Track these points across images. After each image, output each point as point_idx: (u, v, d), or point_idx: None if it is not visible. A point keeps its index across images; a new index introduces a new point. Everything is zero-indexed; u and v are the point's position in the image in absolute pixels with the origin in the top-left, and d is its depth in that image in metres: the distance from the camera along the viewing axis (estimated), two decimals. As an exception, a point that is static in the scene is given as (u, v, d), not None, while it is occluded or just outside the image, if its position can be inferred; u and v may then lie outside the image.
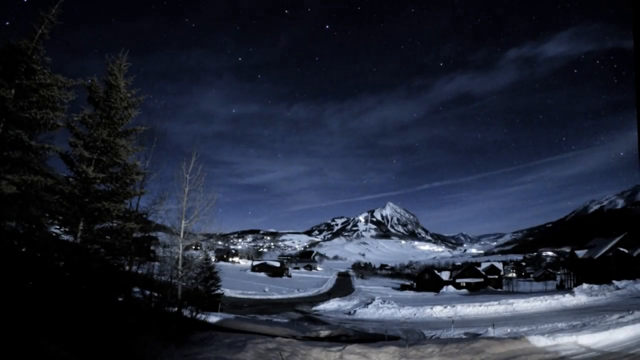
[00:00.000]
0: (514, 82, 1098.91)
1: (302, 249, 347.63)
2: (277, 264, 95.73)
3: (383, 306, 30.76)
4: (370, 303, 32.22)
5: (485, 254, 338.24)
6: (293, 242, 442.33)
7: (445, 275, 68.46)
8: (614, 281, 32.95)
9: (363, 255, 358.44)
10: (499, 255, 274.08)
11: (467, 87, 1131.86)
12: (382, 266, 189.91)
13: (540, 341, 10.31)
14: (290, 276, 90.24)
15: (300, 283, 72.19)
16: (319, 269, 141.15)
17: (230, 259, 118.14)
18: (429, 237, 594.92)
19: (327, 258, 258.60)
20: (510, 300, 28.72)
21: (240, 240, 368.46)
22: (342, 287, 69.88)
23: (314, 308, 34.96)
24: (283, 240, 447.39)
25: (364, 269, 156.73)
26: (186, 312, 11.42)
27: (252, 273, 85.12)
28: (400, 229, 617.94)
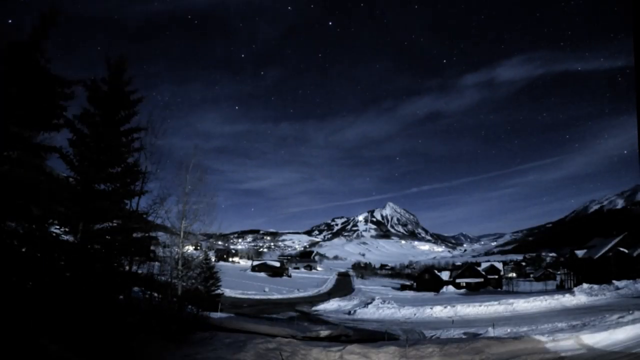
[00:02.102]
0: (479, 101, 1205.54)
1: (302, 249, 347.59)
2: (277, 264, 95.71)
3: (383, 306, 30.76)
4: (370, 303, 32.22)
5: (485, 254, 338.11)
6: (293, 242, 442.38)
7: (445, 275, 68.45)
8: (614, 281, 32.96)
9: (363, 255, 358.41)
10: (499, 255, 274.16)
11: (433, 108, 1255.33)
12: (382, 266, 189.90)
13: (540, 341, 10.31)
14: (290, 276, 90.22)
15: (300, 283, 72.18)
16: (319, 269, 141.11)
17: (230, 259, 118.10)
18: (429, 237, 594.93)
19: (327, 258, 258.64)
20: (510, 300, 28.71)
21: (240, 240, 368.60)
22: (342, 287, 69.85)
23: (314, 308, 34.96)
24: (283, 240, 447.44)
25: (364, 269, 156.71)
26: (186, 312, 11.42)
27: (252, 273, 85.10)
28: (400, 229, 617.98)
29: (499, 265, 71.57)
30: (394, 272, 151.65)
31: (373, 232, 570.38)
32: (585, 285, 33.93)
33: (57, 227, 9.54)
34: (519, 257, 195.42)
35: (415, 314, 27.53)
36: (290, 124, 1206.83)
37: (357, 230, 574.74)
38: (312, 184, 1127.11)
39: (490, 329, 16.31)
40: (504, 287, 63.44)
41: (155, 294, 11.58)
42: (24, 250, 7.99)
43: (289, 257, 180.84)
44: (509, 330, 16.91)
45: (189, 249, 16.03)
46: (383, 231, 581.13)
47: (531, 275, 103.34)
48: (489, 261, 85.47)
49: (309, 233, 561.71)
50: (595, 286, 32.80)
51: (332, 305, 36.39)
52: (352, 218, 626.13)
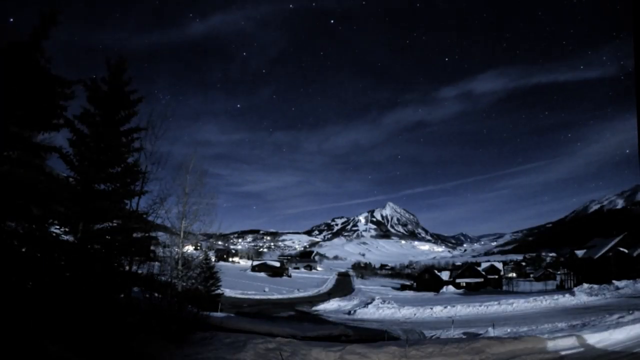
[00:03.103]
0: (462, 111, 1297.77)
1: (302, 249, 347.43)
2: (277, 264, 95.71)
3: (383, 306, 30.76)
4: (370, 303, 32.22)
5: (485, 254, 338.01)
6: (293, 242, 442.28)
7: (445, 275, 68.46)
8: (614, 281, 32.95)
9: (363, 255, 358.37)
10: (499, 255, 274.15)
11: (415, 118, 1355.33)
12: (382, 266, 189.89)
13: (540, 341, 10.31)
14: (290, 276, 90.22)
15: (300, 283, 72.20)
16: (319, 269, 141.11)
17: (230, 259, 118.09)
18: (429, 237, 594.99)
19: (327, 258, 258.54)
20: (510, 300, 28.72)
21: (240, 240, 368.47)
22: (342, 287, 69.84)
23: (314, 308, 34.97)
24: (283, 240, 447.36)
25: (364, 269, 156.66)
26: (186, 312, 11.42)
27: (252, 273, 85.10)
28: (400, 229, 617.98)
29: (499, 265, 71.62)
30: (394, 272, 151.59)
31: (373, 232, 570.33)
32: (585, 285, 33.95)
33: (57, 227, 9.54)
34: (519, 257, 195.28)
35: (415, 314, 27.54)
36: (284, 133, 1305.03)
37: (357, 230, 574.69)
38: (310, 187, 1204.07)
39: (490, 329, 16.32)
40: (504, 287, 63.46)
41: (155, 294, 11.58)
42: (24, 250, 7.99)
43: (289, 257, 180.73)
44: (509, 330, 16.91)
45: (189, 249, 16.01)
46: (383, 231, 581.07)
47: (531, 275, 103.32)
48: (489, 261, 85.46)
49: (309, 233, 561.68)
50: (595, 286, 32.81)
51: (332, 305, 36.39)
52: (352, 218, 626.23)
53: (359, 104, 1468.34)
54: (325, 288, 66.22)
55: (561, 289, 49.65)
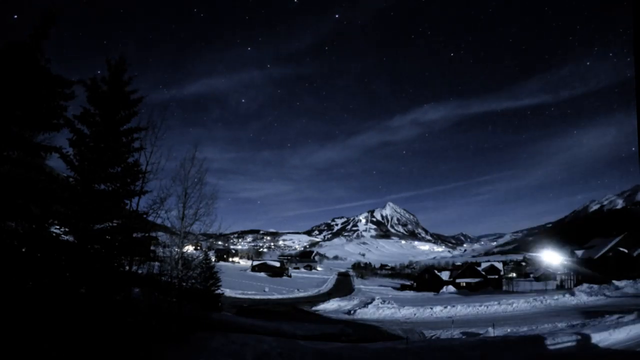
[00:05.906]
0: (418, 133, 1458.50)
1: (302, 249, 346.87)
2: (277, 264, 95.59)
3: (383, 306, 30.76)
4: (370, 303, 32.22)
5: (486, 254, 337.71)
6: (293, 242, 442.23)
7: (445, 275, 68.41)
8: (614, 281, 32.95)
9: (363, 255, 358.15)
10: (499, 255, 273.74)
11: (380, 139, 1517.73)
12: (382, 266, 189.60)
13: (540, 341, 10.30)
14: (290, 276, 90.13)
15: (300, 283, 72.17)
16: (319, 269, 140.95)
17: (230, 259, 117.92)
18: (429, 237, 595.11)
19: (327, 258, 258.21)
20: (510, 300, 28.74)
21: (240, 240, 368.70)
22: (342, 287, 69.79)
23: (314, 308, 34.96)
24: (283, 240, 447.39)
25: (364, 269, 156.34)
26: (186, 312, 11.42)
27: (252, 273, 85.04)
28: (400, 229, 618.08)
29: (499, 265, 71.49)
30: (394, 272, 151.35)
31: (373, 232, 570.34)
32: (585, 285, 33.96)
33: (57, 227, 9.52)
34: (519, 257, 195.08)
35: (415, 314, 27.55)
36: (270, 153, 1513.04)
37: (357, 230, 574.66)
38: (300, 194, 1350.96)
39: (490, 329, 16.32)
40: (504, 287, 63.36)
41: (155, 294, 11.57)
42: (24, 250, 7.98)
43: (289, 257, 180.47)
44: (509, 330, 16.90)
45: (189, 249, 15.99)
46: (383, 231, 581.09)
47: (531, 275, 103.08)
48: (489, 261, 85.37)
49: (309, 233, 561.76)
50: (595, 286, 32.81)
51: (332, 305, 36.39)
52: (352, 218, 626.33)
53: (327, 133, 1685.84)
54: (325, 288, 66.19)
55: (561, 289, 49.60)
